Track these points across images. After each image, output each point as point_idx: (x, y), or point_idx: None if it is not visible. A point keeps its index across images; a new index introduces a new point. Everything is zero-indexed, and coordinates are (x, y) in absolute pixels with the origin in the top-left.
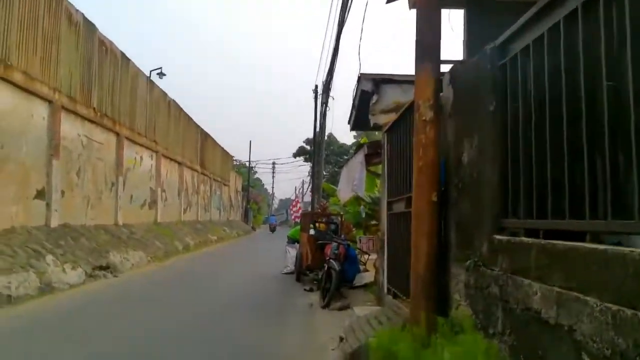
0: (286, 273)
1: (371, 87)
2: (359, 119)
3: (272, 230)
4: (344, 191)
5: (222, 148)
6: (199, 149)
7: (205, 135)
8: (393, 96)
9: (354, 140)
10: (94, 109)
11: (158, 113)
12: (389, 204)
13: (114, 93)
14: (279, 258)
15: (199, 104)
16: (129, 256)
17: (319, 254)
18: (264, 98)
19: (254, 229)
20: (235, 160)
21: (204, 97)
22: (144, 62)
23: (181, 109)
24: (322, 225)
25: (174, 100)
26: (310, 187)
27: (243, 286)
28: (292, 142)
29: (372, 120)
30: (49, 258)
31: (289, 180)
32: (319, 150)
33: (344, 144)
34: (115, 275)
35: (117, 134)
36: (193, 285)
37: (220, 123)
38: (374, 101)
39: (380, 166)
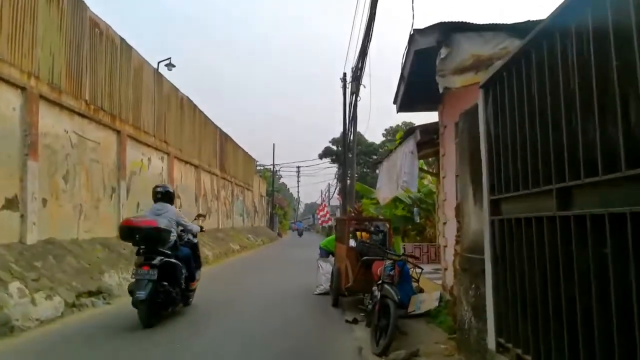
0: (319, 294)
1: (437, 38)
2: (410, 95)
3: (300, 234)
4: (385, 190)
5: (244, 151)
6: (218, 152)
7: (225, 137)
8: (471, 48)
9: (382, 139)
10: (86, 101)
11: (169, 110)
12: (495, 203)
13: (112, 85)
14: (309, 270)
15: (215, 106)
16: (130, 275)
17: (364, 273)
18: (285, 98)
19: (280, 235)
20: (259, 165)
21: (220, 97)
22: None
23: (196, 106)
24: (364, 234)
25: (187, 97)
26: (337, 189)
27: (265, 314)
28: (316, 143)
29: (442, 83)
30: (14, 286)
31: (313, 184)
32: (349, 147)
33: (372, 143)
34: (108, 302)
35: (118, 132)
36: (201, 314)
37: (239, 126)
38: (442, 56)
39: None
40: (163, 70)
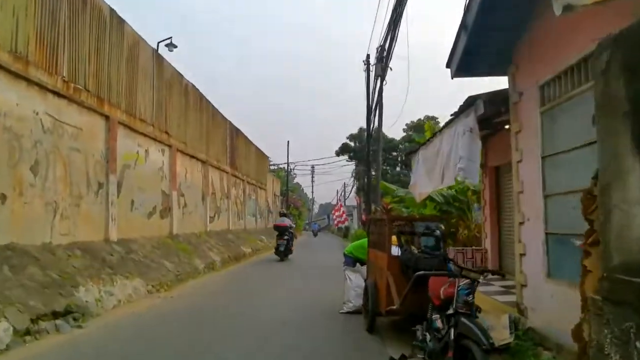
0: (347, 312)
1: None
2: (471, 54)
3: (315, 234)
4: (423, 184)
5: (257, 147)
6: (229, 147)
7: (236, 131)
8: None
9: (403, 135)
10: (64, 78)
11: (171, 98)
12: None
13: (99, 62)
14: (329, 279)
15: (225, 101)
16: (114, 288)
17: (414, 292)
18: (299, 94)
19: (294, 236)
20: (272, 165)
21: (230, 93)
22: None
23: (202, 95)
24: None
25: (193, 85)
26: (354, 188)
27: (276, 345)
28: (333, 141)
29: (561, 1)
30: None
31: (328, 184)
32: (372, 136)
33: (392, 139)
34: (79, 324)
35: (107, 118)
36: (197, 343)
37: (252, 124)
38: None
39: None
40: (162, 51)
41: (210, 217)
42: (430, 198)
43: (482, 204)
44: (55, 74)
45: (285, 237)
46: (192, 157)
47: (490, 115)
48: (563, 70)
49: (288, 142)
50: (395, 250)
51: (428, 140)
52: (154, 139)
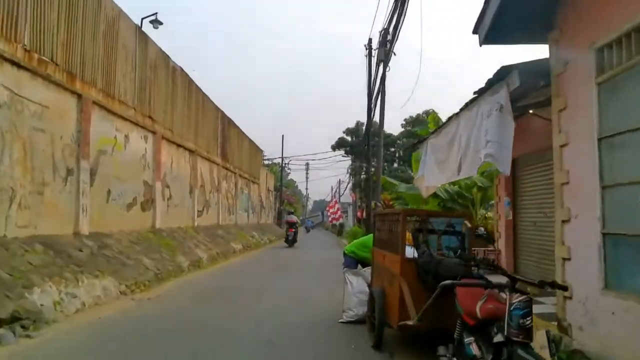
0: (347, 322)
1: None
2: (506, 15)
3: (307, 231)
4: (433, 176)
5: (250, 140)
6: (220, 137)
7: (228, 121)
8: None
9: (401, 130)
10: (25, 47)
11: (156, 80)
12: None
13: (70, 33)
14: (326, 280)
15: (217, 91)
16: (79, 289)
17: (436, 303)
18: (293, 85)
19: None
20: (266, 159)
21: (222, 83)
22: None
23: (192, 80)
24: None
25: (181, 68)
26: (350, 184)
27: None
28: (328, 136)
29: None
30: None
31: (323, 180)
32: (372, 128)
33: (390, 134)
34: (28, 333)
35: (79, 96)
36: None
37: (243, 115)
38: None
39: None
40: (147, 28)
41: (198, 211)
42: (433, 194)
43: (495, 201)
44: (14, 42)
45: (294, 229)
46: (179, 145)
47: (516, 96)
48: (631, 29)
49: (283, 136)
50: (410, 252)
51: (439, 128)
52: (136, 124)
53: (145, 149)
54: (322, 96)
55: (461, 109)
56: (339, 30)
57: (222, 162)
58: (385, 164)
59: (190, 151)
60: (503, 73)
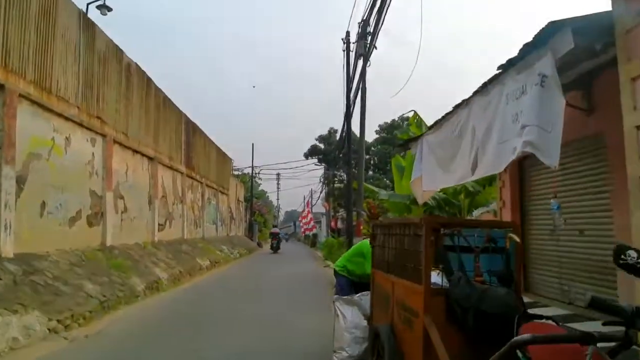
0: None
1: None
2: None
3: (275, 249)
4: (435, 178)
5: (218, 147)
6: (184, 144)
7: (193, 127)
8: None
9: (376, 136)
10: None
11: (106, 77)
12: None
13: None
14: (307, 299)
15: (183, 97)
16: None
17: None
18: (264, 92)
19: (260, 245)
20: (236, 169)
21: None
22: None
23: (150, 80)
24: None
25: (137, 65)
26: (323, 193)
27: None
28: (300, 144)
29: None
30: None
31: (294, 190)
32: (351, 132)
33: (365, 141)
34: None
35: (0, 86)
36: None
37: (211, 123)
38: None
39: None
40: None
41: (159, 224)
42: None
43: (499, 206)
44: None
45: (277, 239)
46: (136, 151)
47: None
48: None
49: (253, 144)
50: (439, 278)
51: (438, 121)
52: (80, 125)
53: (93, 153)
54: (293, 104)
55: (475, 92)
56: (308, 31)
57: (186, 170)
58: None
59: (150, 158)
60: (548, 33)
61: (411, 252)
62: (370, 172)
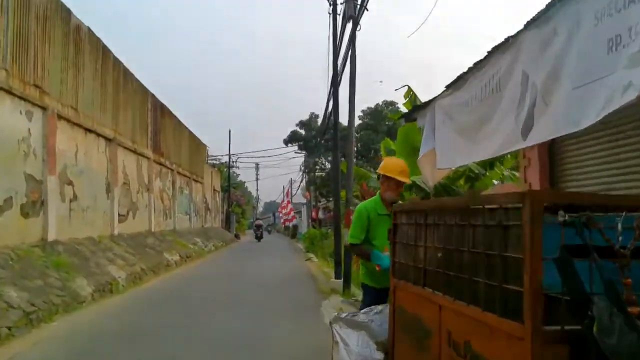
0: None
1: None
2: None
3: (259, 238)
4: (455, 151)
5: (191, 132)
6: (151, 126)
7: (161, 108)
8: None
9: (359, 122)
10: None
11: (47, 39)
12: None
13: None
14: (290, 302)
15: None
16: None
17: None
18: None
19: (237, 237)
20: (212, 159)
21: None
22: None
23: (106, 48)
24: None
25: (90, 30)
26: (303, 181)
27: None
28: (278, 131)
29: None
30: None
31: (274, 179)
32: (337, 110)
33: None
34: None
35: None
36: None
37: (181, 106)
38: None
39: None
40: None
41: (120, 215)
42: (413, 187)
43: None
44: None
45: (261, 230)
46: (90, 130)
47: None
48: None
49: (230, 130)
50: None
51: (460, 77)
52: (9, 92)
53: (29, 129)
54: (272, 87)
55: (528, 24)
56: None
57: (154, 155)
58: (343, 158)
59: (107, 139)
60: None
61: (490, 258)
62: (354, 160)
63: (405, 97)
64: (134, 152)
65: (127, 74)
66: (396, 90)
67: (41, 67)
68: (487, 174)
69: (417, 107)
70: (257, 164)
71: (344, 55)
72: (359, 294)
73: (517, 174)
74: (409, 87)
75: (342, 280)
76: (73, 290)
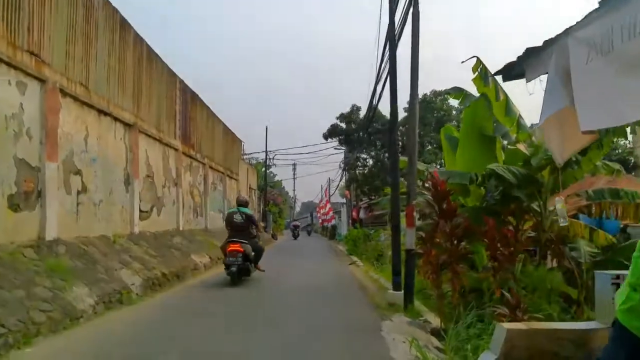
0: None
1: None
2: None
3: (296, 237)
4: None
5: (225, 125)
6: (180, 114)
7: (192, 95)
8: None
9: (404, 114)
10: None
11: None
12: None
13: None
14: (338, 322)
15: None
16: None
17: None
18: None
19: (274, 237)
20: (247, 157)
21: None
22: None
23: (128, 23)
24: None
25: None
26: (343, 180)
27: None
28: (316, 130)
29: None
30: None
31: (311, 178)
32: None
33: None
34: None
35: None
36: None
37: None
38: None
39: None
40: None
41: (142, 211)
42: (489, 176)
43: None
44: None
45: (297, 230)
46: (105, 113)
47: None
48: None
49: (267, 127)
50: None
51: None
52: None
53: (21, 104)
54: (311, 83)
55: None
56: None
57: (183, 147)
58: (387, 153)
59: (127, 124)
60: None
61: None
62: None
63: (473, 70)
64: (160, 141)
65: (151, 53)
66: (463, 62)
67: (38, 32)
68: (582, 163)
69: (529, 51)
70: (294, 163)
71: (400, 25)
72: (425, 311)
73: (611, 164)
74: (478, 58)
75: (402, 292)
76: (67, 303)
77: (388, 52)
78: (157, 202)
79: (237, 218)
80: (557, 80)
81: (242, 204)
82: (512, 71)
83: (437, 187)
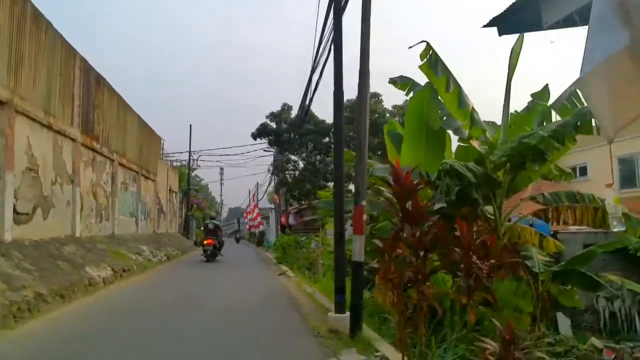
0: None
1: None
2: None
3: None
4: None
5: (140, 118)
6: (80, 97)
7: (97, 78)
8: None
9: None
10: None
11: None
12: None
13: None
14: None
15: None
16: None
17: None
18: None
19: (197, 244)
20: (167, 158)
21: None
22: None
23: None
24: None
25: None
26: (271, 184)
27: None
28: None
29: None
30: None
31: (238, 183)
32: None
33: (323, 121)
34: None
35: None
36: None
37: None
38: None
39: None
40: None
41: (18, 212)
42: (445, 173)
43: None
44: None
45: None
46: None
47: None
48: None
49: (190, 125)
50: None
51: None
52: None
53: None
54: (236, 79)
55: None
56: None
57: (84, 137)
58: (319, 155)
59: (1, 102)
60: None
61: None
62: (330, 157)
63: (422, 57)
64: (49, 127)
65: (38, 15)
66: (410, 47)
67: None
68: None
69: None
70: (221, 168)
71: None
72: (376, 339)
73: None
74: (427, 43)
75: (347, 314)
76: None
77: (332, 25)
78: (42, 202)
79: (210, 225)
80: (608, 10)
81: (212, 217)
82: (508, 21)
83: (400, 182)
